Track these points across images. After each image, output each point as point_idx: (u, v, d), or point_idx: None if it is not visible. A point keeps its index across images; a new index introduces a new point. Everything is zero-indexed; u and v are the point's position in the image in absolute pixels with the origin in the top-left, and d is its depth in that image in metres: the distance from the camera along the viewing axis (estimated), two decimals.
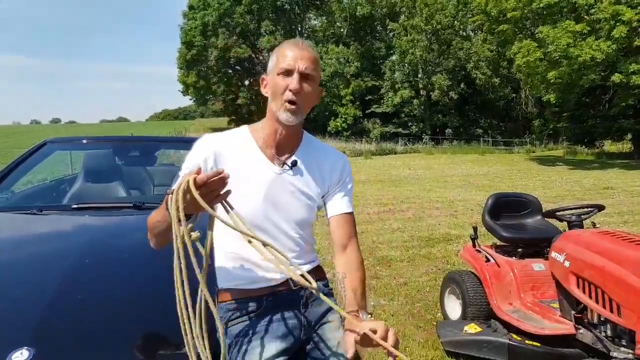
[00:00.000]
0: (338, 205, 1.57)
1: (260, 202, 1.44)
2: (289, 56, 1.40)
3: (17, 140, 34.39)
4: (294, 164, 1.47)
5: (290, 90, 1.38)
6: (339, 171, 1.57)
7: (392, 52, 41.72)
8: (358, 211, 9.36)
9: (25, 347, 1.42)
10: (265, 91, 1.47)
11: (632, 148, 26.10)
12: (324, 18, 45.70)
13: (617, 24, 18.13)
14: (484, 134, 37.89)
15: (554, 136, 34.49)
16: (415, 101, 38.56)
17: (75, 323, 1.62)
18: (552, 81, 20.16)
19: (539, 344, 2.86)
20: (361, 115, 40.95)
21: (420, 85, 38.37)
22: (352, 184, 1.62)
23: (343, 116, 40.36)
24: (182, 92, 51.54)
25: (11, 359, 1.37)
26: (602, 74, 20.00)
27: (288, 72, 1.39)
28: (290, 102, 1.39)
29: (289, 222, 1.48)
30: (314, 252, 1.61)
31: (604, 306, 2.48)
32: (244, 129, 1.53)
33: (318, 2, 45.73)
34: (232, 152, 1.45)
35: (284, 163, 1.47)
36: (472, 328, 3.22)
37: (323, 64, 40.71)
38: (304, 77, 1.40)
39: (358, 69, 40.80)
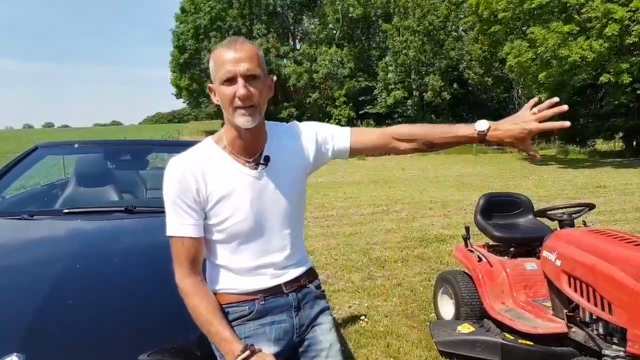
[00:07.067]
0: (340, 139, 1.55)
1: (249, 211, 1.41)
2: (226, 62, 1.32)
3: (10, 144, 34.16)
4: (267, 159, 1.44)
5: (239, 97, 1.32)
6: (313, 137, 1.53)
7: (385, 53, 41.78)
8: (352, 212, 9.39)
9: (15, 354, 1.42)
10: (216, 100, 1.40)
11: (624, 147, 26.28)
12: (317, 20, 45.71)
13: (609, 22, 18.27)
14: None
15: (546, 135, 34.63)
16: (408, 102, 38.64)
17: (65, 329, 1.61)
18: (543, 81, 20.28)
19: (531, 343, 2.88)
20: (355, 116, 40.98)
21: (414, 86, 38.44)
22: (321, 125, 1.58)
23: (337, 117, 40.36)
24: (175, 95, 51.48)
25: None
26: (594, 72, 20.12)
27: (230, 80, 1.32)
28: (243, 107, 1.34)
29: (279, 220, 1.47)
30: (305, 252, 1.60)
31: (595, 304, 2.50)
32: (209, 141, 1.48)
33: (311, 5, 45.73)
34: (210, 169, 1.41)
35: (258, 163, 1.43)
36: (465, 328, 3.23)
37: (317, 65, 40.79)
38: (248, 78, 1.33)
39: (352, 70, 40.84)
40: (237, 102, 1.33)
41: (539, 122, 1.38)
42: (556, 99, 1.39)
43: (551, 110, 1.38)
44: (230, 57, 1.32)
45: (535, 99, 1.43)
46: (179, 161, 1.41)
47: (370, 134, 1.58)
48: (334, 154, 1.57)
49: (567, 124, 1.40)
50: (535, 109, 1.40)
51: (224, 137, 1.45)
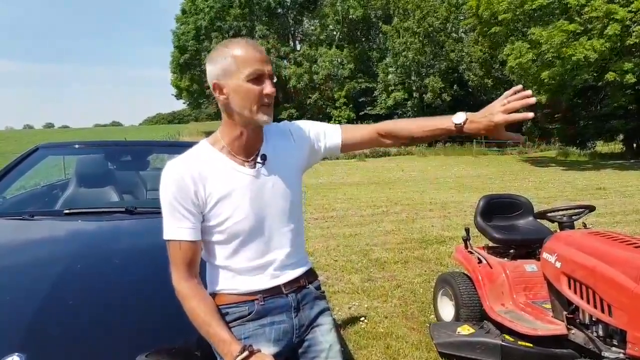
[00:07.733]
0: (331, 136, 1.61)
1: (249, 211, 1.42)
2: (254, 60, 1.36)
3: (10, 145, 34.16)
4: (264, 158, 1.45)
5: (267, 95, 1.37)
6: (306, 135, 1.58)
7: (385, 54, 41.81)
8: (352, 213, 9.39)
9: (17, 354, 1.42)
10: (223, 97, 1.39)
11: (624, 149, 26.29)
12: (317, 21, 45.75)
13: (611, 22, 18.31)
14: (477, 136, 37.94)
15: (547, 137, 34.62)
16: (408, 103, 38.66)
17: (66, 329, 1.62)
18: (545, 81, 20.29)
19: (531, 345, 2.88)
20: (355, 117, 41.02)
21: (414, 88, 38.46)
22: (313, 122, 1.64)
23: (337, 118, 40.39)
24: (175, 96, 51.53)
25: None
26: (595, 74, 20.13)
27: (259, 78, 1.37)
28: (268, 105, 1.40)
29: (279, 218, 1.47)
30: (305, 252, 1.60)
31: (595, 306, 2.50)
32: (205, 144, 1.48)
33: (311, 6, 45.77)
34: (208, 171, 1.41)
35: (255, 162, 1.45)
36: (465, 329, 3.23)
37: (317, 67, 40.83)
38: (271, 78, 1.40)
39: (352, 71, 40.88)
40: (265, 100, 1.38)
41: (508, 113, 1.40)
42: (520, 87, 1.41)
43: (519, 102, 1.39)
44: (258, 57, 1.37)
45: (512, 90, 1.43)
46: (177, 163, 1.42)
47: (358, 131, 1.65)
48: (326, 150, 1.63)
49: (530, 115, 1.43)
50: (505, 100, 1.41)
51: (220, 139, 1.46)
